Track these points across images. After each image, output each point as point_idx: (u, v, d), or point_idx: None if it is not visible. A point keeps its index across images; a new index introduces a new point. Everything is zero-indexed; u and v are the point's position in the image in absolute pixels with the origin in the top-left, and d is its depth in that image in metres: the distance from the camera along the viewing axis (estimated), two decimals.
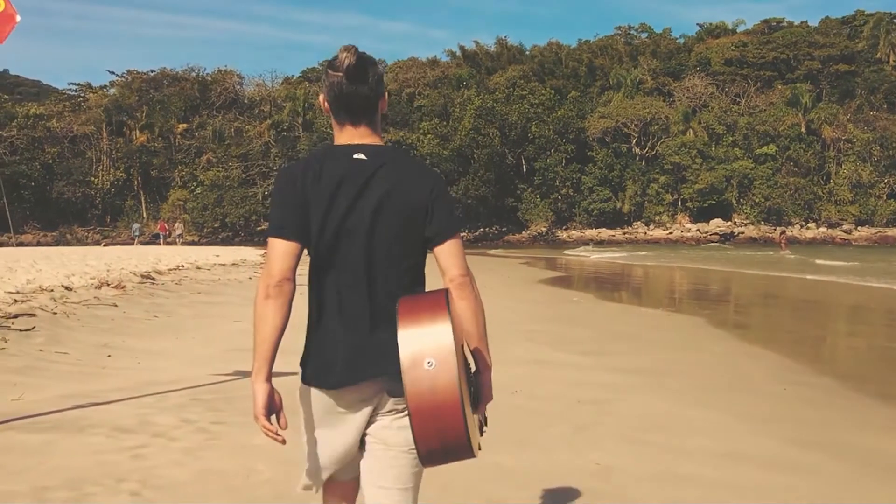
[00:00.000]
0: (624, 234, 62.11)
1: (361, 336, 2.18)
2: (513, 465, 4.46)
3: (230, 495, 3.86)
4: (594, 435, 5.20)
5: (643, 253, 43.46)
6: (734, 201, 62.31)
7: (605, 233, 61.75)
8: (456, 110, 63.99)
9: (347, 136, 2.27)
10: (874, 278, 21.75)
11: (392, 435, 2.22)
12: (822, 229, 61.06)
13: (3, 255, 20.53)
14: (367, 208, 2.18)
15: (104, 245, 46.56)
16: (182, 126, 68.39)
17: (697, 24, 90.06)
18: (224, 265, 22.57)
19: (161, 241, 49.70)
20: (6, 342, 7.62)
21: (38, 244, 53.03)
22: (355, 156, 2.22)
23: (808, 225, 61.78)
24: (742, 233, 60.83)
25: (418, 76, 70.10)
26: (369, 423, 2.25)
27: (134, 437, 4.81)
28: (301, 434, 2.33)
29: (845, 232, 60.48)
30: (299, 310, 2.27)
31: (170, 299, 12.92)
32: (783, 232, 56.57)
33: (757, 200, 61.64)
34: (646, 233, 62.04)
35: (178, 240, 50.99)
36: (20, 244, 49.23)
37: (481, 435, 2.30)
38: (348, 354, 2.17)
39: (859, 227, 60.98)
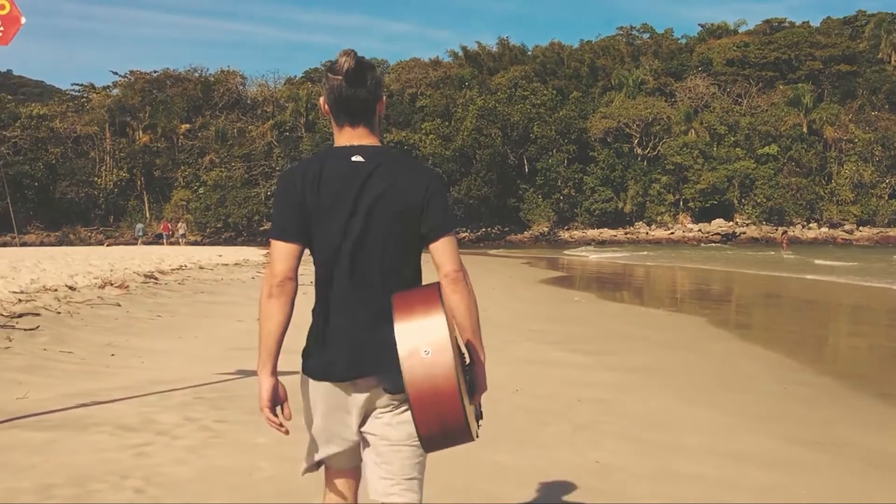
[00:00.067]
0: (626, 234, 62.10)
1: (362, 332, 2.26)
2: (513, 464, 4.49)
3: (233, 493, 3.89)
4: (594, 434, 5.23)
5: (644, 253, 43.46)
6: (736, 201, 62.27)
7: (606, 233, 61.73)
8: (458, 111, 63.99)
9: (346, 137, 2.36)
10: (874, 278, 21.76)
11: (394, 431, 2.30)
12: (824, 229, 61.01)
13: (7, 255, 20.59)
14: (365, 208, 2.26)
15: (107, 245, 46.61)
16: (185, 126, 68.44)
17: (699, 24, 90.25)
18: (227, 265, 22.60)
19: (164, 241, 49.77)
20: (11, 341, 7.67)
21: (42, 244, 53.12)
22: (353, 158, 2.30)
23: (810, 225, 61.74)
24: (744, 233, 60.79)
25: (420, 76, 70.07)
26: (368, 419, 2.33)
27: (138, 435, 4.84)
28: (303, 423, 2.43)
29: (847, 232, 60.43)
30: (301, 308, 2.37)
31: (173, 299, 12.97)
32: (785, 232, 56.63)
33: (759, 200, 61.60)
34: (647, 233, 62.03)
35: (181, 240, 51.05)
36: (24, 244, 49.23)
37: (478, 426, 2.37)
38: (349, 350, 2.26)
39: (861, 228, 60.93)
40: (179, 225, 54.94)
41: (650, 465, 4.56)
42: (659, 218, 62.76)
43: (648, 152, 63.93)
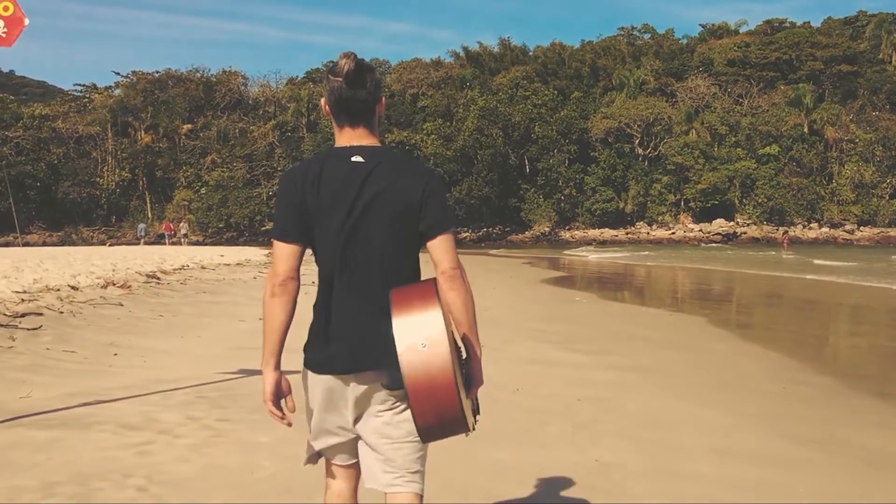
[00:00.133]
0: (627, 234, 62.09)
1: (362, 328, 2.32)
2: (513, 462, 4.52)
3: (235, 491, 3.92)
4: (594, 432, 5.25)
5: (645, 253, 43.47)
6: (737, 201, 62.27)
7: (607, 233, 61.74)
8: (459, 111, 64.00)
9: (347, 137, 2.42)
10: (874, 278, 21.76)
11: (395, 430, 2.37)
12: (825, 229, 60.99)
13: (9, 255, 20.64)
14: (364, 207, 2.32)
15: (109, 245, 46.66)
16: (187, 127, 68.49)
17: (700, 24, 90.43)
18: (229, 265, 22.63)
19: (166, 241, 49.80)
20: (14, 341, 7.70)
21: (44, 244, 53.20)
22: (353, 158, 2.36)
23: (811, 225, 61.72)
24: (745, 233, 60.78)
25: (422, 77, 70.09)
26: (368, 417, 2.39)
27: (140, 433, 4.87)
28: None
29: (848, 232, 60.40)
30: (302, 307, 2.43)
31: (175, 299, 12.99)
32: (786, 232, 56.63)
33: (759, 201, 61.59)
34: (648, 233, 62.02)
35: (183, 240, 51.07)
36: (26, 244, 49.32)
37: (475, 420, 2.43)
38: (350, 344, 2.33)
39: (862, 228, 60.89)
40: (181, 225, 54.93)
41: (650, 464, 4.59)
42: (660, 218, 62.75)
43: (649, 152, 63.93)
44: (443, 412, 2.14)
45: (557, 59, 73.30)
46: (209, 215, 63.08)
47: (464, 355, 2.41)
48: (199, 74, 72.38)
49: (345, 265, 2.34)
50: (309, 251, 2.42)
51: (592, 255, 40.11)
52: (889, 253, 40.93)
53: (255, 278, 18.50)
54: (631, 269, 30.38)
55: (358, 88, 2.37)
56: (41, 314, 9.21)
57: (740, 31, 77.79)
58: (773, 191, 61.28)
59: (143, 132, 67.91)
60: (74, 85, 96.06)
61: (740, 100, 66.53)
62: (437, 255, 2.35)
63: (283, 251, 2.34)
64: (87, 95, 73.71)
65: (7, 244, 48.87)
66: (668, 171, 62.47)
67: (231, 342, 8.85)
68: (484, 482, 4.14)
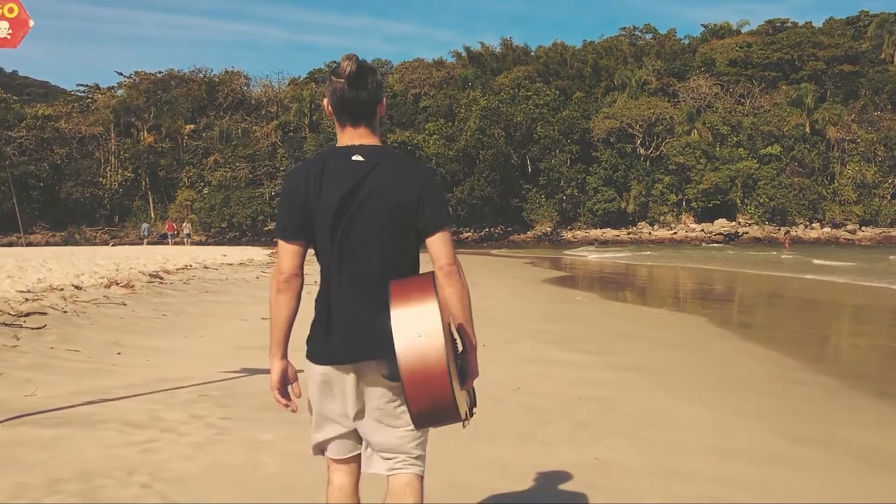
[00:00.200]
0: (628, 234, 62.08)
1: (362, 321, 2.40)
2: (514, 460, 4.55)
3: (238, 488, 3.96)
4: (594, 431, 5.28)
5: (646, 253, 43.46)
6: (738, 201, 62.23)
7: (609, 233, 61.72)
8: (461, 111, 64.01)
9: (348, 136, 2.50)
10: (874, 278, 21.76)
11: (395, 419, 2.45)
12: (827, 229, 60.95)
13: (13, 255, 20.72)
14: (362, 205, 2.40)
15: (112, 245, 46.73)
16: (189, 127, 68.52)
17: (702, 24, 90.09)
18: (231, 265, 22.68)
19: (169, 240, 49.87)
20: (18, 340, 7.74)
21: (47, 244, 53.21)
22: (354, 157, 2.44)
23: (813, 225, 61.68)
24: (746, 233, 60.76)
25: (424, 77, 70.06)
26: (370, 410, 2.46)
27: (144, 432, 4.91)
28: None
29: (849, 232, 60.36)
30: (304, 307, 2.51)
31: (178, 298, 13.03)
32: (787, 232, 56.58)
33: (761, 201, 61.54)
34: (650, 233, 61.99)
35: (186, 240, 51.15)
36: (29, 244, 49.43)
37: (471, 415, 2.52)
38: (350, 337, 2.41)
39: (863, 228, 60.85)
40: (184, 225, 55.03)
41: (649, 463, 4.61)
42: (662, 218, 62.72)
43: (651, 152, 63.91)
44: (436, 400, 2.22)
45: (559, 60, 73.29)
46: (212, 215, 63.11)
47: (460, 348, 2.48)
48: (201, 75, 72.44)
49: (344, 261, 2.42)
50: (312, 249, 2.50)
51: (592, 255, 40.08)
52: (889, 253, 40.90)
53: (257, 278, 18.53)
54: (632, 268, 30.39)
55: (359, 89, 2.46)
56: (45, 314, 9.25)
57: (742, 32, 77.79)
58: (775, 191, 61.23)
59: (145, 132, 67.94)
60: (77, 85, 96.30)
61: (742, 100, 66.47)
62: (435, 251, 2.43)
63: (287, 250, 2.44)
64: (90, 96, 73.72)
65: (11, 244, 49.01)
66: (670, 171, 62.44)
67: (234, 342, 8.89)
68: (484, 480, 4.17)
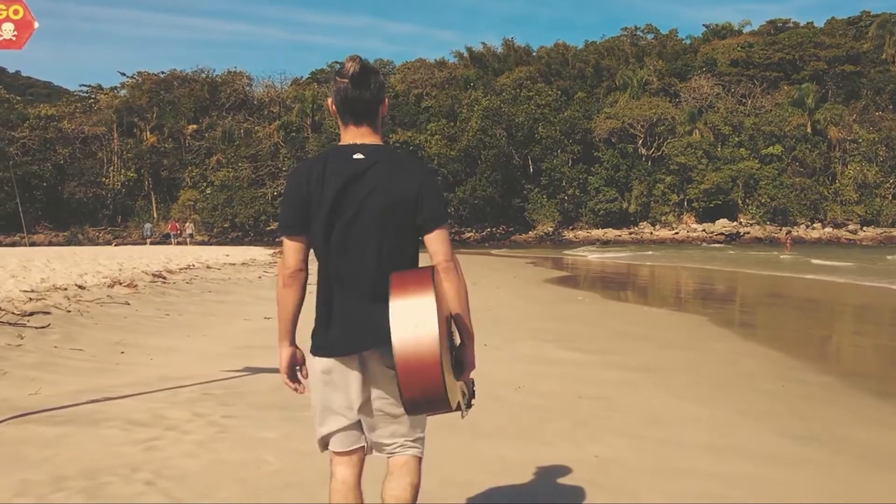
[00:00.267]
0: (630, 234, 62.07)
1: (362, 314, 2.47)
2: (514, 458, 4.58)
3: (241, 485, 4.00)
4: (595, 429, 5.30)
5: (648, 252, 43.44)
6: (740, 201, 62.21)
7: (611, 233, 61.71)
8: (463, 111, 64.01)
9: (351, 135, 2.59)
10: (874, 278, 21.75)
11: (395, 408, 2.52)
12: (828, 229, 60.91)
13: (16, 255, 20.77)
14: (363, 202, 2.47)
15: (115, 245, 46.82)
16: (192, 127, 68.53)
17: (703, 24, 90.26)
18: (234, 265, 22.71)
19: (172, 240, 49.93)
20: (23, 339, 7.78)
21: (50, 244, 53.26)
22: (355, 156, 2.52)
23: (814, 225, 61.64)
24: (748, 233, 60.72)
25: (426, 77, 70.06)
26: (373, 400, 2.54)
27: (147, 430, 4.95)
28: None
29: (851, 232, 60.32)
30: (307, 306, 2.60)
31: (181, 298, 13.07)
32: (789, 232, 56.56)
33: (763, 201, 61.52)
34: (652, 233, 61.99)
35: (188, 240, 51.22)
36: (32, 244, 49.50)
37: (468, 407, 2.61)
38: (351, 329, 2.48)
39: (865, 228, 60.81)
40: (187, 225, 55.12)
41: (649, 461, 4.63)
42: (663, 218, 62.71)
43: (653, 152, 63.89)
44: (428, 388, 2.29)
45: (561, 60, 73.25)
46: (214, 215, 63.15)
47: (457, 341, 2.54)
48: (203, 75, 72.45)
49: (344, 257, 2.49)
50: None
51: (593, 255, 40.06)
52: (888, 252, 40.87)
53: (259, 278, 18.58)
54: (633, 268, 30.40)
55: (362, 89, 2.54)
56: (49, 313, 9.29)
57: (744, 32, 77.76)
58: (777, 191, 61.21)
59: (148, 132, 67.94)
60: (80, 85, 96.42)
61: (743, 100, 66.41)
62: (433, 247, 2.50)
63: (291, 246, 2.53)
64: (93, 96, 73.75)
65: (14, 244, 49.10)
66: (672, 172, 62.43)
67: (236, 341, 8.93)
68: (485, 478, 4.20)
